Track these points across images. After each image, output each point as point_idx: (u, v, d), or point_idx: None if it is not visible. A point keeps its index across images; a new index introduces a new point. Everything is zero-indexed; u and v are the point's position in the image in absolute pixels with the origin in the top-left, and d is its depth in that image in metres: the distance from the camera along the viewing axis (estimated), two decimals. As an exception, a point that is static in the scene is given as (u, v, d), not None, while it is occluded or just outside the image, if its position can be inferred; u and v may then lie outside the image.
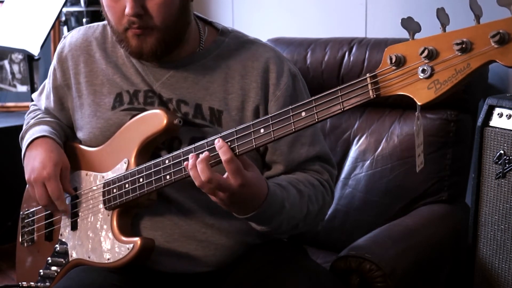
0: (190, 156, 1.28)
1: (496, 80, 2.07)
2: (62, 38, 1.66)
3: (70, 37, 1.63)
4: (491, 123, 1.72)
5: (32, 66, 3.08)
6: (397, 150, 2.02)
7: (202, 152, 1.28)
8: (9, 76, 3.47)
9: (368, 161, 2.06)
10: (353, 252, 1.59)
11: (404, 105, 2.04)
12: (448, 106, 1.95)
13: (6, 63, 3.46)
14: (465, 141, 1.97)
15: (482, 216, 1.75)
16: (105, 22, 1.52)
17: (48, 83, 1.68)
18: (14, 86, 3.47)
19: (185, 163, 1.29)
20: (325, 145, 1.56)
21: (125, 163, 1.46)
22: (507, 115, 1.68)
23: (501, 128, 1.69)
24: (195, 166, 1.26)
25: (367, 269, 1.54)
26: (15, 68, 3.47)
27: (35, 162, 1.52)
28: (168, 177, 1.36)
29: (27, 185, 1.67)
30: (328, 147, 2.11)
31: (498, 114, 1.70)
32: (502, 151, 1.68)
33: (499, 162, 1.69)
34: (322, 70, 2.19)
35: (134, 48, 1.43)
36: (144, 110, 1.48)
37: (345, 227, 2.05)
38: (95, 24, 1.62)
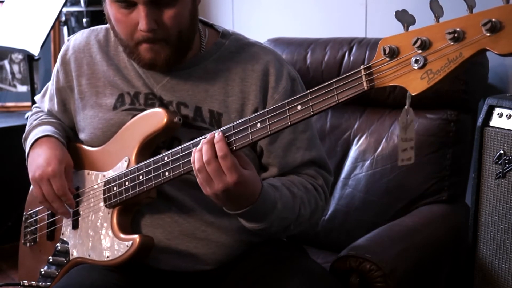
0: (202, 141, 1.28)
1: (496, 80, 2.07)
2: (66, 41, 1.67)
3: (74, 39, 1.63)
4: (491, 123, 1.72)
5: (32, 66, 3.08)
6: (397, 150, 2.01)
7: None
8: (9, 76, 3.47)
9: (368, 161, 2.06)
10: (353, 252, 1.59)
11: (404, 105, 2.04)
12: (448, 106, 1.96)
13: (6, 63, 3.47)
14: (465, 141, 1.97)
15: (482, 216, 1.75)
16: (108, 25, 1.52)
17: (51, 85, 1.68)
18: (14, 86, 3.47)
19: (194, 149, 1.30)
20: (321, 150, 1.56)
21: (125, 161, 1.47)
22: (507, 115, 1.68)
23: (501, 128, 1.69)
24: (201, 149, 1.27)
25: (367, 269, 1.54)
26: (15, 68, 3.47)
27: (39, 159, 1.52)
28: (166, 173, 1.36)
29: (31, 187, 1.67)
30: (328, 147, 2.13)
31: (498, 114, 1.70)
32: (502, 151, 1.68)
33: (499, 162, 1.69)
34: (322, 70, 2.19)
35: (147, 61, 1.43)
36: (144, 111, 1.48)
37: (345, 227, 2.05)
38: (99, 27, 1.62)
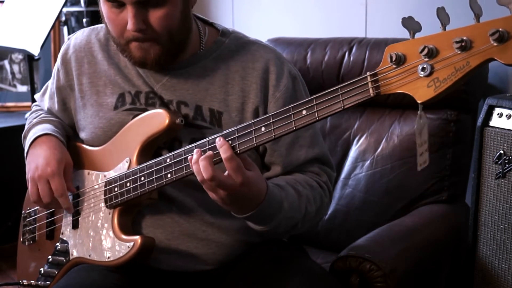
0: (195, 151, 1.28)
1: (496, 80, 2.07)
2: (67, 39, 1.67)
3: (75, 38, 1.63)
4: (491, 123, 1.72)
5: (32, 66, 3.08)
6: (397, 150, 2.02)
7: (205, 151, 1.29)
8: (9, 76, 3.47)
9: (368, 161, 2.06)
10: (353, 252, 1.59)
11: (404, 105, 2.05)
12: (448, 106, 1.96)
13: (6, 63, 3.47)
14: (465, 141, 1.97)
15: (482, 216, 1.75)
16: None
17: (51, 83, 1.68)
18: (14, 86, 3.47)
19: (189, 157, 1.29)
20: (324, 147, 1.56)
21: (127, 162, 1.47)
22: (507, 115, 1.68)
23: (501, 128, 1.69)
24: (198, 161, 1.26)
25: (367, 269, 1.55)
26: (15, 68, 3.47)
27: (38, 159, 1.52)
28: (169, 175, 1.36)
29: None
30: (328, 147, 2.13)
31: (498, 114, 1.70)
32: (502, 151, 1.68)
33: (499, 162, 1.69)
34: (322, 70, 2.19)
35: (137, 59, 1.44)
36: (145, 110, 1.48)
37: (345, 227, 2.05)
38: (100, 25, 1.62)
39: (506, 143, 1.68)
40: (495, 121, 1.71)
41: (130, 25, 1.37)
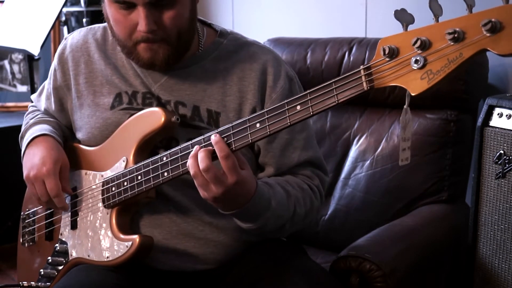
0: (195, 147, 1.28)
1: (496, 80, 2.07)
2: (63, 39, 1.66)
3: (71, 38, 1.63)
4: (491, 123, 1.72)
5: (32, 66, 3.08)
6: (397, 150, 2.01)
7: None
8: (9, 76, 3.47)
9: (368, 161, 2.06)
10: (353, 252, 1.59)
11: (404, 104, 2.04)
12: (448, 106, 1.96)
13: (6, 63, 3.47)
14: (465, 141, 1.97)
15: (482, 216, 1.75)
16: (106, 23, 1.52)
17: (48, 83, 1.68)
18: (14, 86, 3.47)
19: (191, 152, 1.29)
20: (318, 151, 1.56)
21: (123, 161, 1.46)
22: (507, 115, 1.68)
23: (501, 128, 1.69)
24: (195, 155, 1.26)
25: (367, 269, 1.54)
26: (15, 68, 3.47)
27: (34, 159, 1.51)
28: (165, 174, 1.36)
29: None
30: (328, 147, 2.13)
31: (498, 114, 1.70)
32: (502, 151, 1.68)
33: (499, 162, 1.69)
34: (322, 70, 2.19)
35: (146, 60, 1.43)
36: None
37: (345, 227, 2.05)
38: (97, 25, 1.62)
39: (506, 143, 1.68)
40: (495, 121, 1.71)
41: (142, 26, 1.36)
